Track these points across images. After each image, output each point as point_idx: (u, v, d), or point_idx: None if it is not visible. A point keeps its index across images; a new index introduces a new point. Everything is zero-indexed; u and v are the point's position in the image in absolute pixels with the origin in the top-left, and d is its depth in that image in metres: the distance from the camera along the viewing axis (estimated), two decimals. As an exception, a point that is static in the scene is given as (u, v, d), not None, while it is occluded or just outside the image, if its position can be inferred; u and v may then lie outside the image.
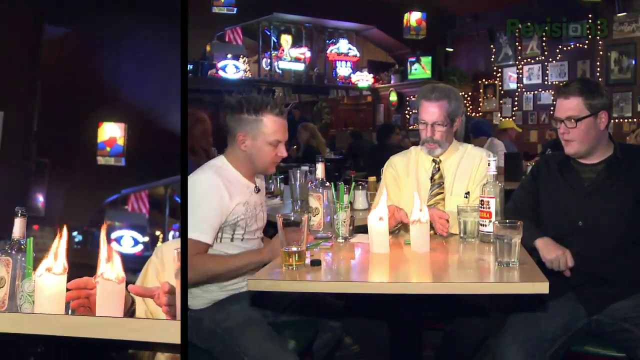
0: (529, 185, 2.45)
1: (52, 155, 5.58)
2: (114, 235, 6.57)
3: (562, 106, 2.24)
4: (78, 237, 6.54)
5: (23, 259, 1.52)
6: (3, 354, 1.56)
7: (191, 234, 2.14)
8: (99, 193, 6.41)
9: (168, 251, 2.07)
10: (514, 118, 9.53)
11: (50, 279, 1.32)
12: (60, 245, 1.37)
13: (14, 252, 1.54)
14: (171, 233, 6.75)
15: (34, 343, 1.40)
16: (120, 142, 4.88)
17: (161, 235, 6.97)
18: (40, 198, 5.81)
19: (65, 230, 1.37)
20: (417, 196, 2.16)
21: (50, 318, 1.25)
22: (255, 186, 2.40)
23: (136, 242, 6.65)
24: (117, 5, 4.48)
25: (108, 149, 4.90)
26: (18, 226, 1.57)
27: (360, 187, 3.50)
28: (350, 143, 8.83)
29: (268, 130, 2.28)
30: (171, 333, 1.15)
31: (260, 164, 2.34)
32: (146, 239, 6.70)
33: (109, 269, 1.31)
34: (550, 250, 2.13)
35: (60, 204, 6.04)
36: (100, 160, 4.94)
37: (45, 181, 5.77)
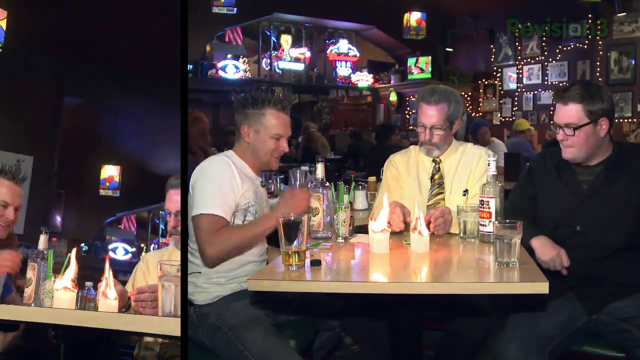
0: (525, 184, 2.42)
1: (67, 187, 7.51)
2: (110, 246, 8.76)
3: (561, 112, 2.18)
4: (85, 247, 8.55)
5: (45, 265, 2.02)
6: (29, 336, 2.06)
7: (211, 210, 2.21)
8: (100, 215, 8.64)
9: (152, 259, 2.47)
10: (513, 118, 9.53)
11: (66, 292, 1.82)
12: (71, 266, 1.83)
13: (38, 259, 2.05)
14: (152, 245, 8.94)
15: (52, 328, 1.88)
16: (117, 179, 6.51)
17: (144, 247, 9.13)
18: (58, 218, 7.76)
19: (74, 256, 1.85)
20: (418, 209, 2.15)
21: (64, 312, 1.66)
22: (262, 180, 2.47)
23: (126, 252, 8.85)
24: (118, 83, 6.21)
25: (107, 184, 6.52)
26: (42, 240, 2.11)
27: (360, 187, 3.51)
28: (350, 144, 8.83)
29: (270, 123, 2.35)
30: (153, 325, 1.49)
31: (263, 157, 2.39)
32: (134, 249, 8.96)
33: (109, 291, 1.77)
34: (545, 251, 2.11)
35: (73, 222, 8.10)
36: (102, 192, 6.53)
37: (62, 206, 7.72)
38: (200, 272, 2.34)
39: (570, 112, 2.15)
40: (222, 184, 2.26)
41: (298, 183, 3.27)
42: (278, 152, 2.40)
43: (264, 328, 2.21)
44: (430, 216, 2.32)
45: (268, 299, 2.36)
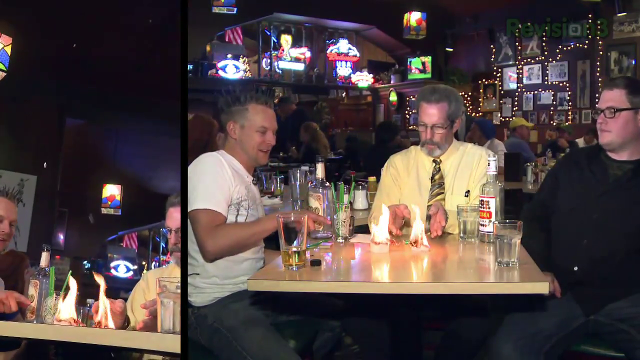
0: (551, 180, 2.48)
1: (70, 206, 7.85)
2: (112, 264, 8.91)
3: (605, 97, 2.27)
4: (87, 265, 8.71)
5: (47, 282, 2.07)
6: (31, 354, 2.06)
7: (209, 205, 2.22)
8: (102, 233, 8.92)
9: (152, 276, 2.48)
10: (513, 118, 9.53)
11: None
12: (71, 295, 1.84)
13: (41, 276, 2.10)
14: (153, 263, 9.17)
15: (53, 344, 1.88)
16: (118, 198, 6.69)
17: (146, 265, 9.29)
18: (61, 236, 8.07)
19: (75, 286, 1.84)
20: (419, 222, 2.13)
21: (64, 328, 1.70)
22: (253, 179, 2.51)
23: (128, 269, 9.00)
24: (117, 106, 6.59)
25: (109, 203, 6.71)
26: (44, 258, 2.16)
27: (360, 187, 3.51)
28: (346, 146, 8.79)
29: (253, 117, 2.41)
30: (153, 342, 1.52)
31: (251, 151, 2.43)
32: (135, 267, 9.08)
33: (106, 318, 1.78)
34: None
35: (75, 241, 8.42)
36: (104, 210, 6.73)
37: (65, 224, 8.06)
38: (197, 274, 2.34)
39: (613, 95, 2.24)
40: (216, 179, 2.29)
41: (298, 183, 3.27)
42: (265, 146, 2.44)
43: (262, 329, 2.21)
44: (438, 215, 2.30)
45: (268, 299, 2.36)
